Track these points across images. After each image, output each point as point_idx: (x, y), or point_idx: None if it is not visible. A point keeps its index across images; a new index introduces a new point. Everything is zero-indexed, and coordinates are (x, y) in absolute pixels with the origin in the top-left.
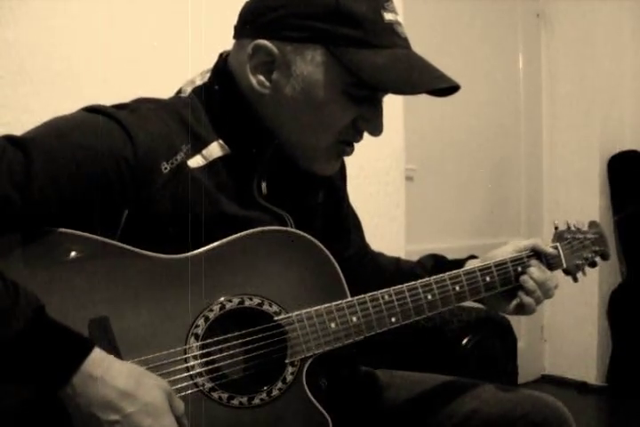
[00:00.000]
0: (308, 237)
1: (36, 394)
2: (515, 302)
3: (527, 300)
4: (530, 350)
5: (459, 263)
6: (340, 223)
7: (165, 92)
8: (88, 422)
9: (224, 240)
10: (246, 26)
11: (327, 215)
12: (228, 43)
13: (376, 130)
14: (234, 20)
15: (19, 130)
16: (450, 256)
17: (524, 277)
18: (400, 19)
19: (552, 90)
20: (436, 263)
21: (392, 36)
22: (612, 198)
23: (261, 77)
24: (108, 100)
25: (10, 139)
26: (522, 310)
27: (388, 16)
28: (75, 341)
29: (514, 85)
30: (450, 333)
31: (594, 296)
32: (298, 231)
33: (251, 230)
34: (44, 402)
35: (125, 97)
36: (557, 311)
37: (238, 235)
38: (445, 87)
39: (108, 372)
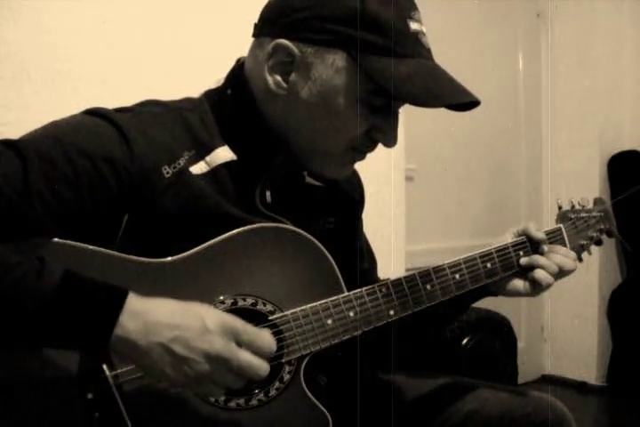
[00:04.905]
0: (301, 232)
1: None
2: (527, 281)
3: (540, 274)
4: (530, 350)
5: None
6: (351, 254)
7: (165, 92)
8: (151, 354)
9: (214, 240)
10: (268, 25)
11: (338, 243)
12: (228, 43)
13: (390, 141)
14: (234, 20)
15: (19, 130)
16: (450, 256)
17: (529, 258)
18: (425, 29)
19: (552, 90)
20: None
21: (416, 46)
22: (612, 198)
23: (278, 78)
24: (107, 100)
25: (6, 143)
26: (539, 286)
27: (413, 26)
28: (111, 286)
29: (514, 85)
30: (450, 333)
31: (594, 296)
32: (290, 227)
33: (241, 229)
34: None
35: (125, 97)
36: (557, 311)
37: (228, 234)
38: (465, 102)
39: (150, 304)
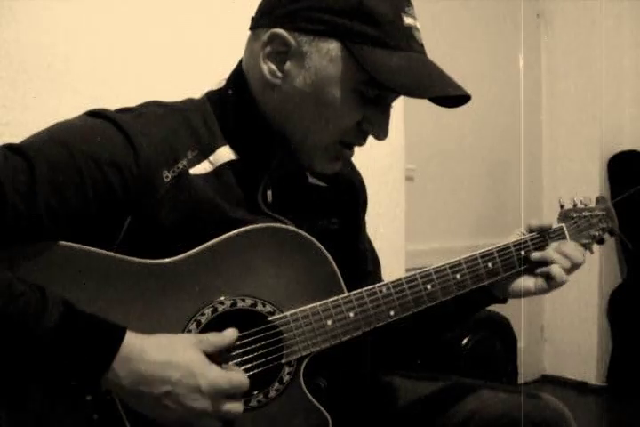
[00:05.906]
0: (301, 232)
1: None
2: (539, 279)
3: (555, 269)
4: (530, 350)
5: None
6: (354, 254)
7: (166, 92)
8: (140, 402)
9: (213, 241)
10: (264, 16)
11: (341, 244)
12: (230, 44)
13: (381, 133)
14: (236, 21)
15: (19, 130)
16: (450, 256)
17: (541, 253)
18: (419, 25)
19: (552, 90)
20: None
21: (409, 40)
22: (612, 199)
23: (273, 66)
24: (107, 100)
25: (11, 147)
26: (553, 282)
27: (407, 20)
28: (108, 328)
29: (514, 85)
30: (450, 333)
31: (594, 296)
32: (290, 227)
33: (241, 229)
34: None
35: (125, 97)
36: (557, 311)
37: (228, 235)
38: (456, 97)
39: (143, 350)
